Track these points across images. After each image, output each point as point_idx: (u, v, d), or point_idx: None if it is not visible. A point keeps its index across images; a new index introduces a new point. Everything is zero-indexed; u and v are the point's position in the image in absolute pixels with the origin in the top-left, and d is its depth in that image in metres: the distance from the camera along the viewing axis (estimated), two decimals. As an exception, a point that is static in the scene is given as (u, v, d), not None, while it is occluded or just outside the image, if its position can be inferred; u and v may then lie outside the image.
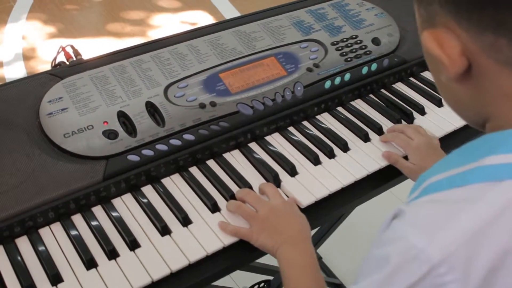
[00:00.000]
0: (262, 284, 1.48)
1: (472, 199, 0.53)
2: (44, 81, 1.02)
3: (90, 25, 3.18)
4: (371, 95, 1.20)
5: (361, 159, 1.04)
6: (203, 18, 3.31)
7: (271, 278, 1.49)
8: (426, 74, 1.28)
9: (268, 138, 1.07)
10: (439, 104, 1.19)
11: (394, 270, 0.55)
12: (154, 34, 3.11)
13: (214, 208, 0.92)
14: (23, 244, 0.85)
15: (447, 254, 0.52)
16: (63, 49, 1.13)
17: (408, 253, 0.54)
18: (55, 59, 1.15)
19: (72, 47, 1.14)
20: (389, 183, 1.04)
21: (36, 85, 1.01)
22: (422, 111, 1.17)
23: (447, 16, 0.56)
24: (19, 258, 0.82)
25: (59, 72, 1.04)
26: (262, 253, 0.90)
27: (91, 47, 2.90)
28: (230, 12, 3.39)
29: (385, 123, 1.12)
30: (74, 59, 1.11)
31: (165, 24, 3.22)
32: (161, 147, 0.97)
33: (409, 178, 1.01)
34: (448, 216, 0.54)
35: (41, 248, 0.84)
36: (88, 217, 0.89)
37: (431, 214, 0.55)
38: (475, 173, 0.55)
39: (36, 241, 0.85)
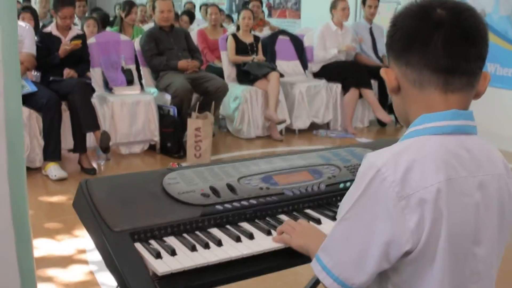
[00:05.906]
0: None
1: (409, 143, 1.14)
2: (161, 172, 1.67)
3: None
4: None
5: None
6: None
7: None
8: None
9: (301, 212, 1.65)
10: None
11: (359, 179, 1.12)
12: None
13: (268, 232, 1.47)
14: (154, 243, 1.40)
15: (384, 162, 1.09)
16: (173, 165, 1.80)
17: (366, 165, 1.12)
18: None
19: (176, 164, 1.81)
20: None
21: (158, 174, 1.66)
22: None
23: (391, 62, 1.23)
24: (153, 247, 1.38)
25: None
26: (300, 262, 1.41)
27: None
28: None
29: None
30: (177, 166, 1.77)
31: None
32: (235, 204, 1.56)
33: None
34: (391, 147, 1.13)
35: (166, 243, 1.39)
36: (191, 235, 1.45)
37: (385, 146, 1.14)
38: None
39: (162, 242, 1.40)
